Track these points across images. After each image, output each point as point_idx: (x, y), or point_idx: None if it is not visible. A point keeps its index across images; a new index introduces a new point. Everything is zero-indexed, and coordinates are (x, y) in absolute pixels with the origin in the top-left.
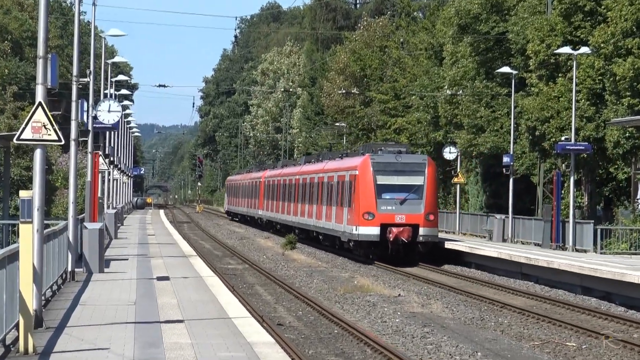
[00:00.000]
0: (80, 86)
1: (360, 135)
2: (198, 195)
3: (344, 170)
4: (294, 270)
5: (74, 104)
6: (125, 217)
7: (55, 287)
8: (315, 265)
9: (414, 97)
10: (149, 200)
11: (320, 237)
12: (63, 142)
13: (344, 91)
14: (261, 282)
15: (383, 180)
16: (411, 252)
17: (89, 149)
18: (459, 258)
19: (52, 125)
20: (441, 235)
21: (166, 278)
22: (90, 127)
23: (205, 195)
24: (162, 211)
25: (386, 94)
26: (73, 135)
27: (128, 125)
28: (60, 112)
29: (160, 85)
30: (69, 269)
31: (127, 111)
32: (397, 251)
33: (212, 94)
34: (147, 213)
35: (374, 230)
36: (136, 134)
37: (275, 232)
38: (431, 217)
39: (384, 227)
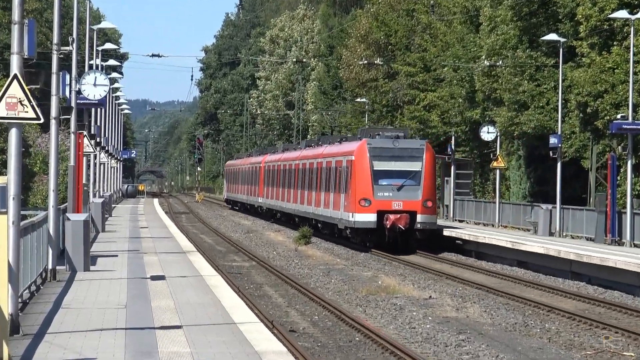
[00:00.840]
0: (61, 56)
1: (384, 113)
2: (197, 182)
3: (341, 156)
4: (309, 269)
5: (54, 77)
6: (114, 207)
7: (33, 288)
8: (333, 262)
9: (446, 69)
10: (141, 187)
11: (319, 225)
12: (42, 121)
13: (365, 62)
14: (271, 282)
15: (380, 166)
16: (409, 240)
17: (72, 128)
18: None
19: (30, 101)
20: (477, 228)
21: (162, 277)
22: (73, 104)
23: (205, 182)
24: (156, 200)
25: (414, 66)
26: (54, 112)
27: (117, 102)
28: (38, 86)
29: (153, 55)
30: (50, 266)
31: (116, 85)
32: (394, 239)
33: (214, 65)
34: (139, 202)
35: (370, 217)
36: (126, 111)
37: (276, 221)
38: (429, 204)
39: (381, 214)
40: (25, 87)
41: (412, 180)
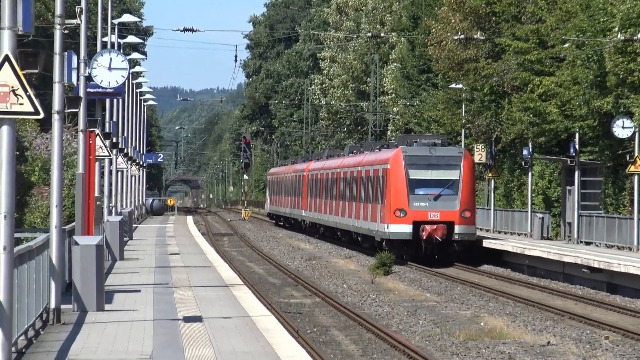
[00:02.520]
0: (66, 31)
1: (487, 103)
2: (244, 194)
3: (377, 164)
4: (390, 306)
5: (57, 58)
6: (136, 227)
7: (31, 333)
8: (420, 298)
9: (567, 45)
10: (170, 201)
11: (359, 238)
12: (42, 116)
13: (461, 37)
14: (340, 325)
15: (416, 174)
16: (446, 252)
17: (81, 125)
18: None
19: (26, 90)
20: (609, 252)
21: (198, 319)
22: (82, 93)
23: (254, 195)
24: (190, 218)
25: (525, 41)
26: (57, 105)
27: (139, 90)
28: (37, 71)
29: (185, 30)
30: (53, 305)
31: (138, 69)
32: (431, 250)
33: (264, 42)
34: (168, 221)
35: (406, 228)
36: (151, 103)
37: (320, 236)
38: (467, 214)
39: (417, 225)
40: (20, 73)
41: (450, 190)
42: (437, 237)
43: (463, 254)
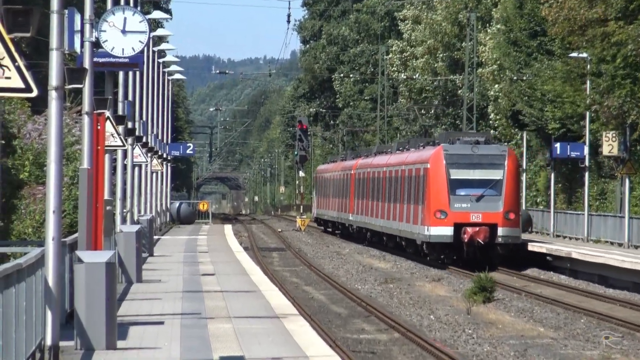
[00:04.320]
0: None
1: (620, 78)
2: (299, 197)
3: (419, 163)
4: (491, 345)
5: (55, 18)
6: (158, 239)
7: None
8: (532, 333)
9: None
10: (203, 206)
11: (403, 242)
12: (35, 93)
13: None
14: None
15: (457, 174)
16: (489, 256)
17: (86, 106)
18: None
19: (14, 60)
20: None
21: None
22: (87, 64)
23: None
24: (228, 227)
25: None
26: (54, 79)
27: (162, 61)
28: (28, 34)
29: None
30: (48, 342)
31: (161, 32)
32: (473, 254)
33: None
34: (200, 231)
35: (447, 231)
36: (178, 77)
37: (371, 244)
38: (511, 216)
39: (458, 227)
40: (6, 37)
41: (493, 190)
42: (480, 240)
43: (507, 258)
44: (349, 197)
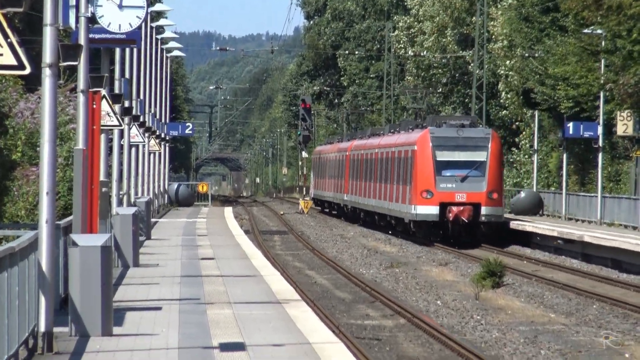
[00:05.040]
0: None
1: (635, 55)
2: (302, 178)
3: (407, 145)
4: (500, 331)
5: None
6: (156, 222)
7: None
8: (542, 319)
9: None
10: (202, 187)
11: (393, 221)
12: (28, 71)
13: None
14: (434, 356)
15: (442, 156)
16: (473, 234)
17: (81, 84)
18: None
19: (6, 37)
20: None
21: (240, 347)
22: (82, 40)
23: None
24: (229, 210)
25: None
26: (48, 56)
27: (160, 37)
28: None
29: None
30: (42, 328)
31: (159, 7)
32: (458, 232)
33: None
34: (200, 214)
35: (432, 210)
36: (177, 54)
37: (364, 223)
38: (494, 196)
39: (443, 206)
40: None
41: (477, 171)
42: (464, 219)
43: (490, 236)
44: (344, 178)
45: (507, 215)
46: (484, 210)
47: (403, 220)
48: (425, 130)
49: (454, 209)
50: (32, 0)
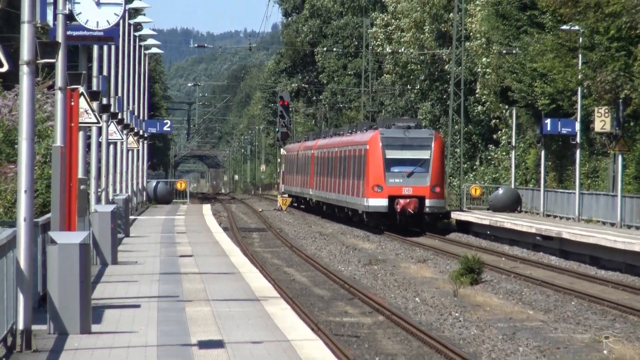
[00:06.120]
0: None
1: (612, 51)
2: (280, 175)
3: (360, 144)
4: (479, 328)
5: None
6: (134, 219)
7: None
8: (520, 316)
9: None
10: (180, 185)
11: (350, 212)
12: (6, 68)
13: None
14: (412, 353)
15: (391, 154)
16: (418, 223)
17: (59, 81)
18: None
19: None
20: None
21: (218, 344)
22: (60, 37)
23: None
24: (207, 207)
25: None
26: (26, 53)
27: (138, 34)
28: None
29: None
30: (20, 326)
31: (137, 4)
32: (405, 221)
33: None
34: (178, 211)
35: (382, 202)
36: (155, 51)
37: (326, 216)
38: (437, 190)
39: (392, 199)
40: None
41: (421, 168)
42: (410, 210)
43: (432, 225)
44: (309, 174)
45: (485, 212)
46: (428, 202)
47: (357, 211)
48: (376, 131)
49: (402, 201)
50: None
